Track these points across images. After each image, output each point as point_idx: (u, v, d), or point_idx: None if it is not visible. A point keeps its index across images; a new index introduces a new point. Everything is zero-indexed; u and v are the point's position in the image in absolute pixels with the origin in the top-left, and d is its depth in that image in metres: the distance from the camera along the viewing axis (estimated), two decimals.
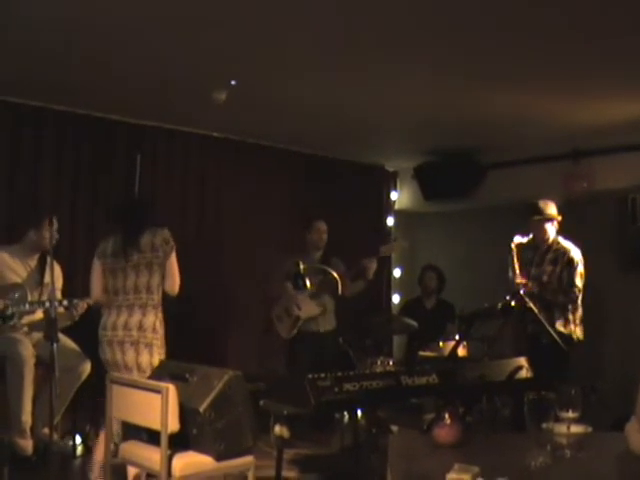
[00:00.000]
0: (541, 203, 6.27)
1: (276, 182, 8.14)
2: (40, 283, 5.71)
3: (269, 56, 5.35)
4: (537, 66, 5.45)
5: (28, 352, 5.26)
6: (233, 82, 5.80)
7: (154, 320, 4.72)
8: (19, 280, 5.64)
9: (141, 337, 4.69)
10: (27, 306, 5.45)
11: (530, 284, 5.99)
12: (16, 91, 6.30)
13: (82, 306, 5.36)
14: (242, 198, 7.87)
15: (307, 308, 6.78)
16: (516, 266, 6.02)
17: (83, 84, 6.07)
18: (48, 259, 5.64)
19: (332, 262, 6.68)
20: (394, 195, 9.43)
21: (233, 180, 7.83)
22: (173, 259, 4.80)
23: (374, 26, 4.72)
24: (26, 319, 5.56)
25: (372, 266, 6.58)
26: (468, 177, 8.37)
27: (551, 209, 6.29)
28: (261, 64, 5.53)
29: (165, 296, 4.93)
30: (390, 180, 9.41)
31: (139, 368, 4.67)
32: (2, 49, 5.27)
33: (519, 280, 5.95)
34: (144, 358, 4.66)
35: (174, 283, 4.78)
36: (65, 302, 5.38)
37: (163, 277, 4.79)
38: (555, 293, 6.08)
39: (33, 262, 5.76)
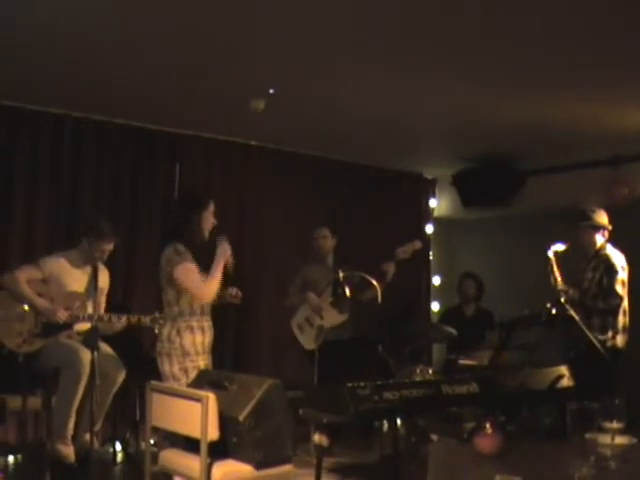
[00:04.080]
0: (589, 210, 6.23)
1: (315, 190, 8.14)
2: (94, 291, 5.70)
3: (308, 64, 5.36)
4: (577, 71, 5.40)
5: (87, 360, 5.16)
6: (272, 91, 5.81)
7: (170, 331, 4.80)
8: (79, 287, 5.65)
9: (162, 348, 4.82)
10: (82, 316, 5.48)
11: (571, 291, 5.94)
12: (57, 102, 6.39)
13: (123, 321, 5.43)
14: (281, 206, 7.89)
15: (330, 317, 6.73)
16: (556, 273, 5.98)
17: (122, 94, 6.14)
18: (101, 267, 5.70)
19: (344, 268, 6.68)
20: (433, 202, 9.39)
21: (272, 188, 7.85)
22: (180, 274, 4.78)
23: (414, 32, 4.71)
24: (77, 327, 5.60)
25: (390, 270, 6.54)
26: (507, 184, 8.30)
27: (602, 217, 6.25)
28: (300, 72, 5.54)
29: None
30: (429, 188, 9.37)
31: (164, 376, 4.75)
32: (41, 61, 5.34)
33: (560, 287, 5.91)
34: (165, 367, 4.78)
35: (194, 295, 4.82)
36: (123, 318, 5.41)
37: (178, 292, 4.85)
38: (595, 299, 6.02)
39: (89, 270, 5.71)
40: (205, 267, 4.87)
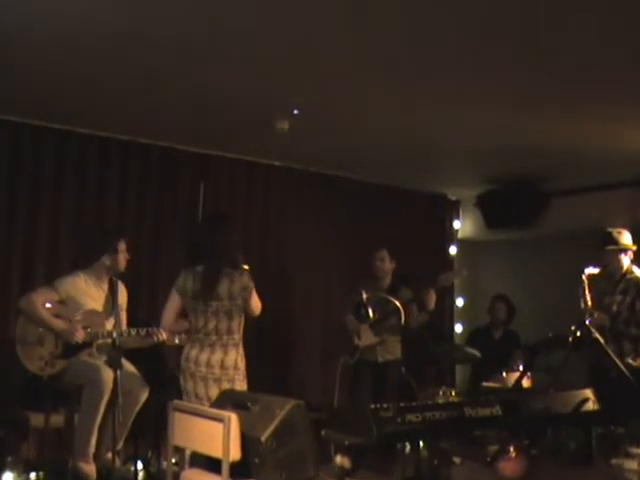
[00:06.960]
0: (615, 232, 6.23)
1: (339, 211, 8.14)
2: (113, 307, 5.69)
3: (332, 85, 5.38)
4: (601, 92, 5.39)
5: (109, 378, 5.16)
6: (296, 111, 5.83)
7: (235, 358, 4.89)
8: (97, 305, 5.65)
9: (223, 375, 4.85)
10: (102, 334, 5.49)
11: (596, 314, 5.93)
12: (82, 122, 6.44)
13: (159, 335, 5.40)
14: (305, 227, 7.89)
15: (366, 337, 6.71)
16: (587, 297, 6.01)
17: (146, 114, 6.18)
18: (118, 283, 5.70)
19: (401, 291, 6.63)
20: (457, 224, 9.35)
21: (295, 209, 7.86)
22: (253, 298, 4.98)
23: (438, 53, 4.72)
24: (98, 342, 5.61)
25: (431, 296, 6.51)
26: (531, 205, 8.26)
27: (626, 239, 6.25)
28: (324, 93, 5.56)
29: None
30: (452, 209, 9.33)
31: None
32: (66, 83, 5.40)
33: (590, 310, 5.95)
34: None
35: (257, 310, 5.05)
36: (143, 332, 5.40)
37: (241, 316, 4.98)
38: (627, 324, 5.99)
39: (105, 286, 5.73)
40: None
